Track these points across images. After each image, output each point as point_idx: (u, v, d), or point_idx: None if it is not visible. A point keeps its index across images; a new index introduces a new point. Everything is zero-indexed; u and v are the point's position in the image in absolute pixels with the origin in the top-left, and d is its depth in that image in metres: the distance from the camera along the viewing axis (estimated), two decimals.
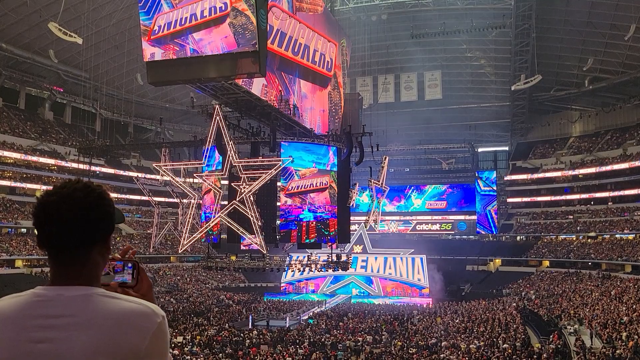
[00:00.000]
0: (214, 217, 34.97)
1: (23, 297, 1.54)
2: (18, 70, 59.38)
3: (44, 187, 58.12)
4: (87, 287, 1.54)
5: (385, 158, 42.92)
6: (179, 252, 40.67)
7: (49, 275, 1.62)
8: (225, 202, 35.21)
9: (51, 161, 58.95)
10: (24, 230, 53.64)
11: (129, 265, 1.73)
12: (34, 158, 57.09)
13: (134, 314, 1.50)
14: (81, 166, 47.80)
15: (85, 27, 48.36)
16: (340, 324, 37.02)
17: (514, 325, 33.26)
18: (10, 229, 52.39)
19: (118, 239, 58.32)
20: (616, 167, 60.26)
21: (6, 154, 54.51)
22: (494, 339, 28.95)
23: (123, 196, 65.96)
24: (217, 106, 32.86)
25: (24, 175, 57.03)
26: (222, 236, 38.59)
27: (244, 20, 26.21)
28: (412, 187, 75.16)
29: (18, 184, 56.47)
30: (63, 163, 59.06)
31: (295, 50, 33.96)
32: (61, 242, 1.52)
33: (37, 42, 55.46)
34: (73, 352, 1.43)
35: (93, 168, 50.04)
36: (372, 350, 27.13)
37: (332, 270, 42.37)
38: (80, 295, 1.51)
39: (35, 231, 1.55)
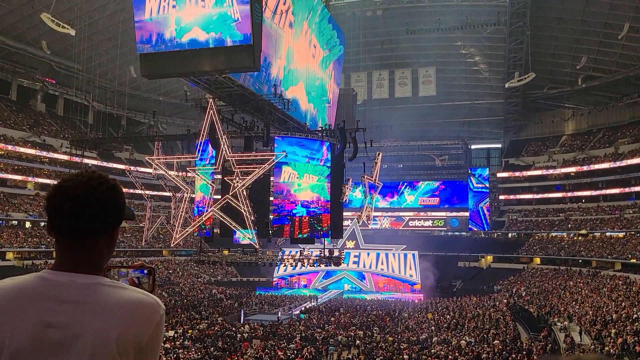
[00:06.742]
0: (206, 211, 34.90)
1: (29, 280, 1.55)
2: (10, 61, 58.79)
3: (36, 180, 57.80)
4: (96, 276, 1.58)
5: (379, 154, 42.96)
6: (172, 245, 40.59)
7: (54, 261, 1.62)
8: (218, 197, 35.16)
9: (43, 153, 58.37)
10: (15, 222, 53.30)
11: (142, 270, 1.74)
12: (26, 150, 56.53)
13: (143, 305, 1.56)
14: (73, 159, 47.39)
15: (79, 18, 48.00)
16: (332, 319, 37.10)
17: (505, 322, 33.51)
18: (1, 221, 52.01)
19: None
20: (608, 165, 60.58)
21: None
22: (485, 335, 29.17)
23: None
24: (211, 100, 32.72)
25: (15, 167, 56.47)
26: (214, 230, 38.53)
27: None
28: (405, 184, 75.24)
29: (9, 176, 55.88)
30: (55, 155, 58.56)
31: None
32: (71, 228, 1.55)
33: (30, 33, 54.98)
34: (86, 337, 1.47)
35: (85, 161, 49.63)
36: (363, 344, 27.23)
37: (325, 266, 42.36)
38: (92, 283, 1.55)
39: (47, 216, 1.58)
